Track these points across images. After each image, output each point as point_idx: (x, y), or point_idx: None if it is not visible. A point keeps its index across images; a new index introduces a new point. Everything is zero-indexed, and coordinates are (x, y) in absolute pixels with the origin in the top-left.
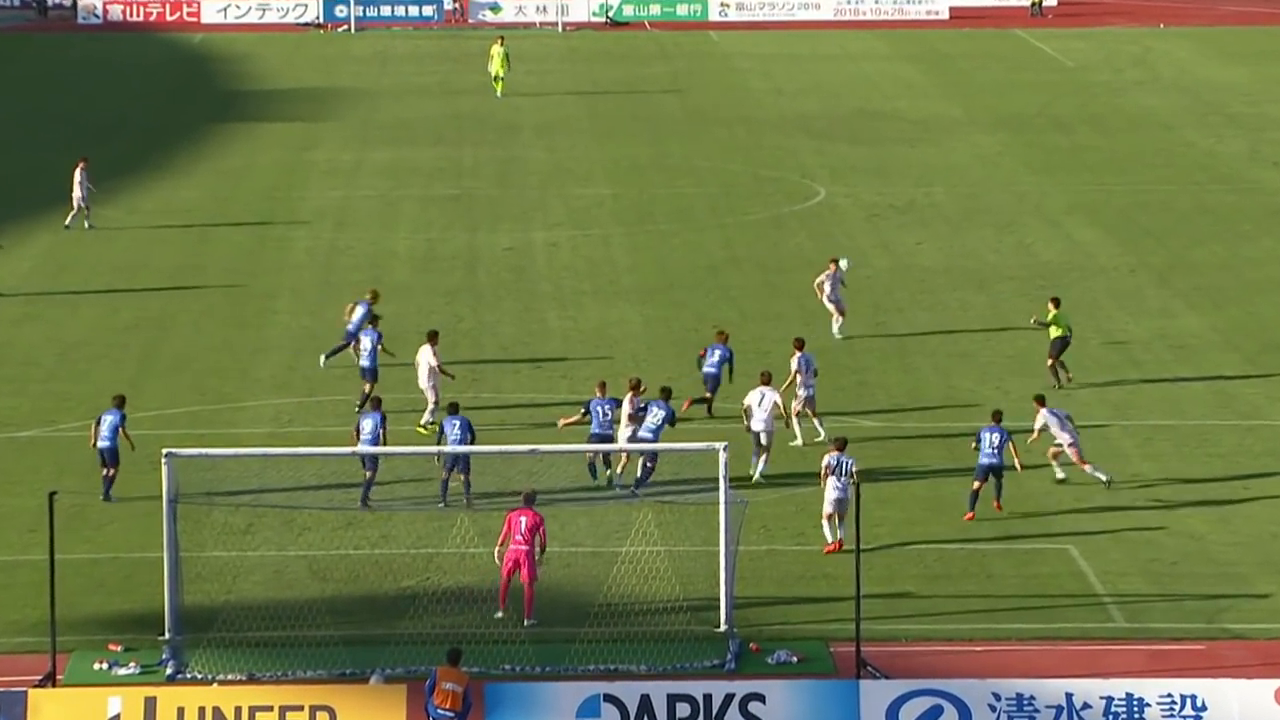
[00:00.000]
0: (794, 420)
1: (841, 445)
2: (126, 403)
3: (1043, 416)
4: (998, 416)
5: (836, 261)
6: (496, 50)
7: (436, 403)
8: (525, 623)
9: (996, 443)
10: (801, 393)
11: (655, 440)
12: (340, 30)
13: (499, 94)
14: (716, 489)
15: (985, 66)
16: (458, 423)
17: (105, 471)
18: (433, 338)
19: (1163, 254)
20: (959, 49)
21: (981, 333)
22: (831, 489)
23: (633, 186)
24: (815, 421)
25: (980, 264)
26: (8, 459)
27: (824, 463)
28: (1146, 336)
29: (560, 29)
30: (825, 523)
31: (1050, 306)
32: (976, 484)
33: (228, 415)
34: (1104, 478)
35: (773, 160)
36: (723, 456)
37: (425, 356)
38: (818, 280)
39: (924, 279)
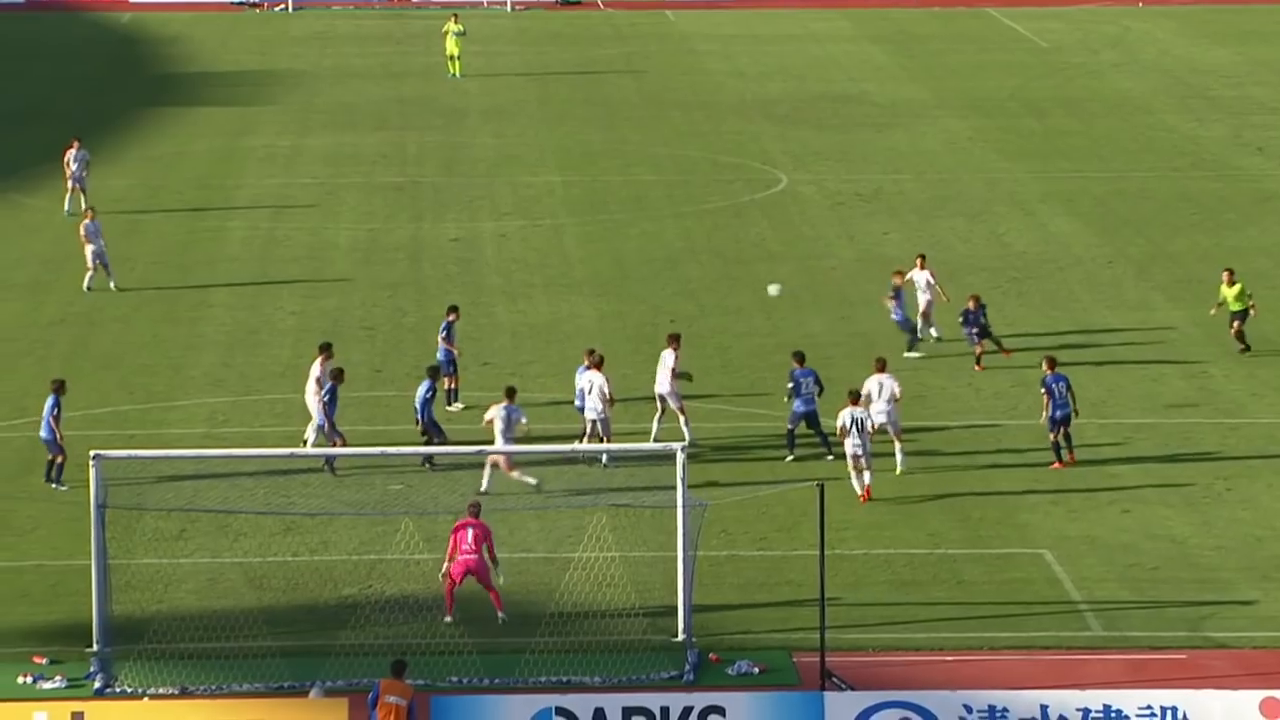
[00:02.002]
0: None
1: (855, 399)
2: (64, 388)
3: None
4: (1053, 363)
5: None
6: (451, 27)
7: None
8: (500, 617)
9: (1064, 390)
10: (880, 419)
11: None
12: (278, 9)
13: (457, 74)
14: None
15: (956, 48)
16: None
17: (50, 458)
18: (325, 349)
19: (1142, 244)
20: (928, 29)
21: (951, 327)
22: (850, 446)
23: (586, 174)
24: (895, 446)
25: (951, 255)
26: None
27: (839, 422)
28: (1125, 330)
29: (509, 8)
30: (852, 475)
31: (1225, 279)
32: (1053, 435)
33: (159, 415)
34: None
35: (733, 146)
36: (680, 457)
37: (315, 371)
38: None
39: (891, 270)
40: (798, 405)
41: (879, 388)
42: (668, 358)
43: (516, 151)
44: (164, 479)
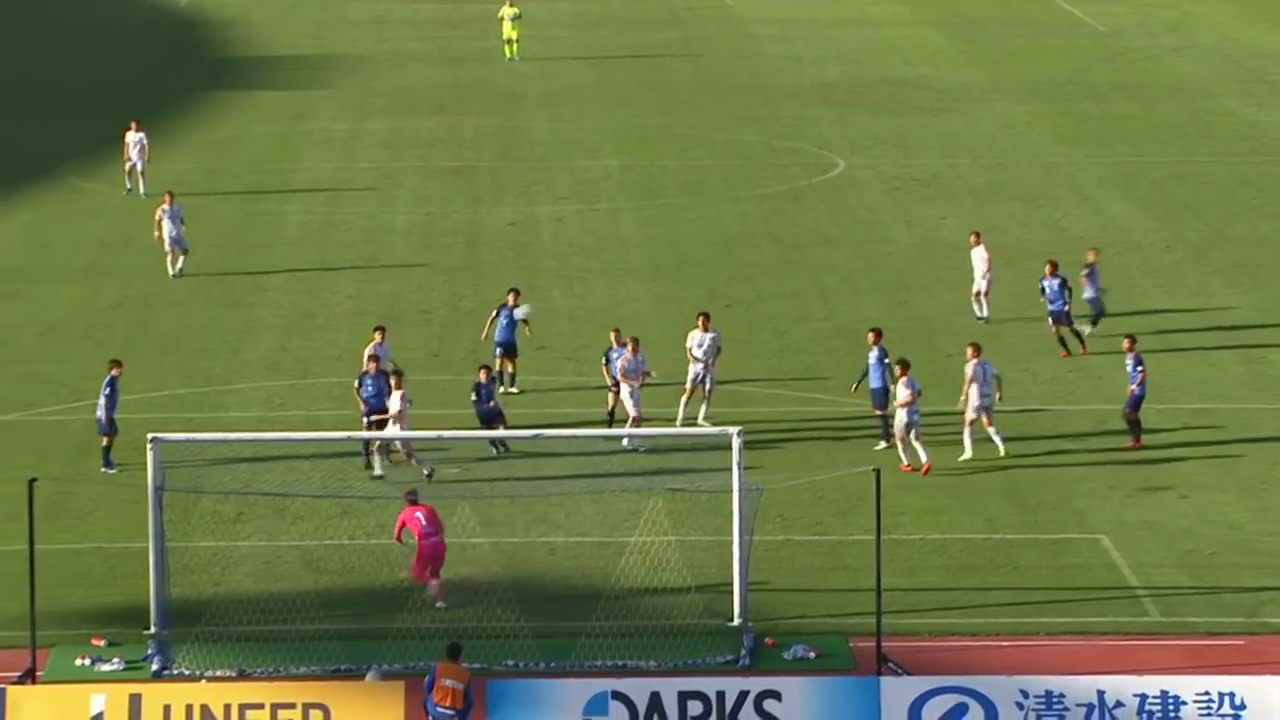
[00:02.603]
0: (967, 430)
1: (905, 368)
2: (121, 368)
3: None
4: (1133, 341)
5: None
6: (507, 11)
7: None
8: (439, 605)
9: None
10: (975, 401)
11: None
12: None
13: (514, 58)
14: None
15: (1014, 32)
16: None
17: (103, 442)
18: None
19: (1201, 229)
20: (986, 13)
21: (1008, 310)
22: (907, 415)
23: (642, 158)
24: (990, 430)
25: (1008, 239)
26: None
27: (899, 394)
28: (1183, 315)
29: None
30: (902, 445)
31: None
32: (1131, 414)
33: (216, 398)
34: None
35: (790, 131)
36: (736, 442)
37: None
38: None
39: (949, 255)
40: (876, 384)
41: (982, 371)
42: (700, 337)
43: (573, 136)
44: (221, 462)
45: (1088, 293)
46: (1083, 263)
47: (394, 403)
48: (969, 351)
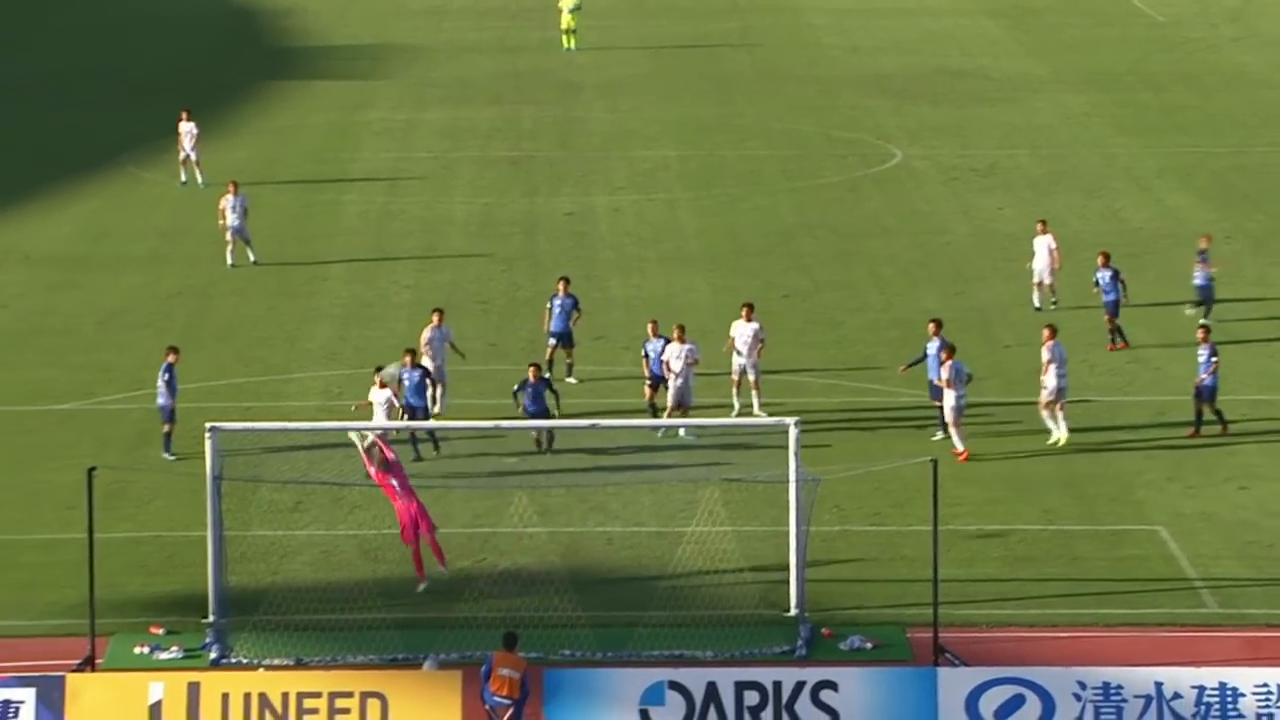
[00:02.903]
0: (1045, 413)
1: (950, 353)
2: (177, 354)
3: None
4: (1208, 332)
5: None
6: (566, 1)
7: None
8: (441, 570)
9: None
10: (1052, 383)
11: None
12: None
13: (572, 48)
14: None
15: (1072, 22)
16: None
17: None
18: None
19: (1260, 219)
20: (1044, 3)
21: (1064, 301)
22: (955, 398)
23: (700, 148)
24: (1060, 415)
25: (1066, 230)
26: (45, 432)
27: (944, 375)
28: (1243, 306)
29: None
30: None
31: None
32: (1205, 403)
33: (275, 387)
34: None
35: (847, 121)
36: (793, 432)
37: (427, 335)
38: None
39: (1006, 246)
40: (934, 375)
41: (1059, 353)
42: (743, 329)
43: (631, 126)
44: (279, 450)
45: (1198, 278)
46: (1195, 250)
47: (375, 394)
48: (1045, 334)
